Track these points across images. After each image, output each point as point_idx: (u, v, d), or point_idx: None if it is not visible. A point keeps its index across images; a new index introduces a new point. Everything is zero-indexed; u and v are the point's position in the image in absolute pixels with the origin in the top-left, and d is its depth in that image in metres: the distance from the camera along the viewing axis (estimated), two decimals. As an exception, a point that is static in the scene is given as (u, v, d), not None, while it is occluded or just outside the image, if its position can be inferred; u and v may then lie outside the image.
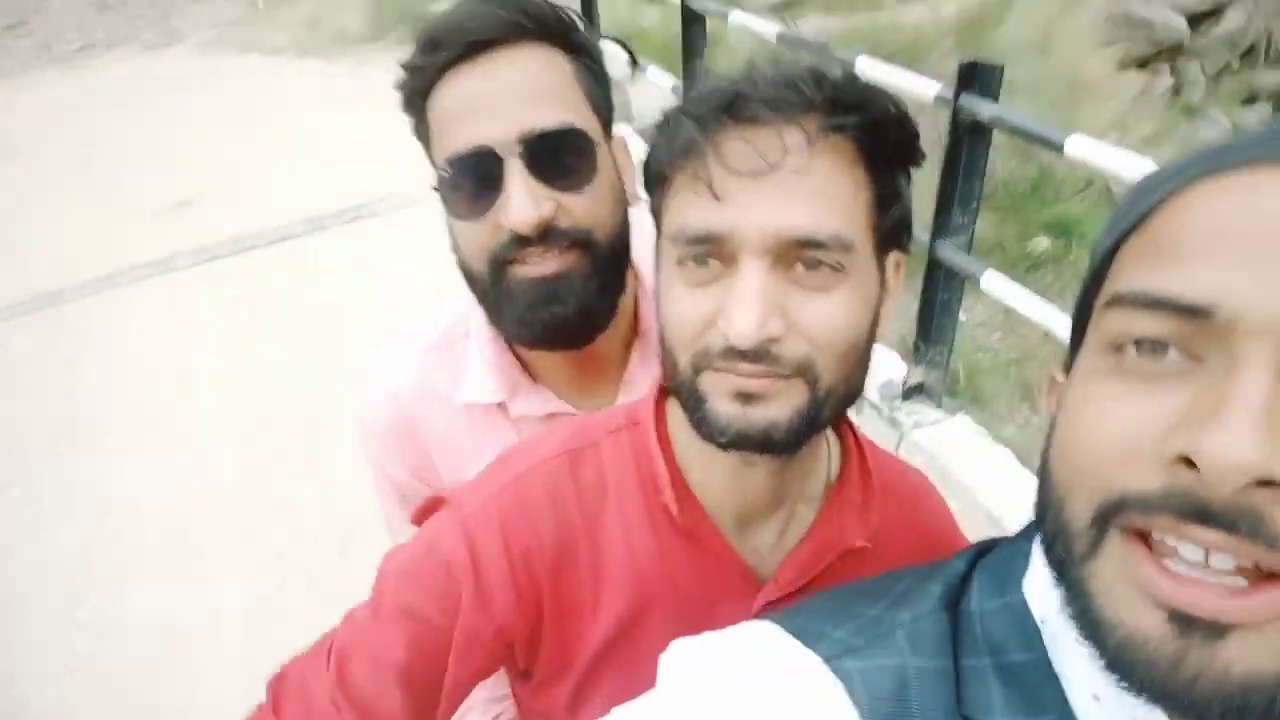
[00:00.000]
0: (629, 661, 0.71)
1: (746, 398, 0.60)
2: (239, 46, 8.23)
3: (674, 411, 0.71)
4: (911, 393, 2.74)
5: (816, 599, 0.55)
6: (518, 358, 0.97)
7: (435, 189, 0.86)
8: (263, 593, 2.57)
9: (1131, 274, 0.42)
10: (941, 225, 2.54)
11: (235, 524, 2.86)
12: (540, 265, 0.83)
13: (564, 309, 0.84)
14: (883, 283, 0.65)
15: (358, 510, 2.12)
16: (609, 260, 0.87)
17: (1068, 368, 0.49)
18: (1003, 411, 4.27)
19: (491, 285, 0.85)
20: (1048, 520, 0.45)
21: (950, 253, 2.52)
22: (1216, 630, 0.38)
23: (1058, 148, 2.09)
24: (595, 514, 0.71)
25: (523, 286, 0.83)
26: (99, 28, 8.71)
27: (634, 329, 0.98)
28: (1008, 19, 7.76)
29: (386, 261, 4.21)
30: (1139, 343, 0.41)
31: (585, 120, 0.84)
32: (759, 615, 0.58)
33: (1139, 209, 0.44)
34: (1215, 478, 0.36)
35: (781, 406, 0.60)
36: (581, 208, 0.83)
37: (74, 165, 5.94)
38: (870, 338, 0.64)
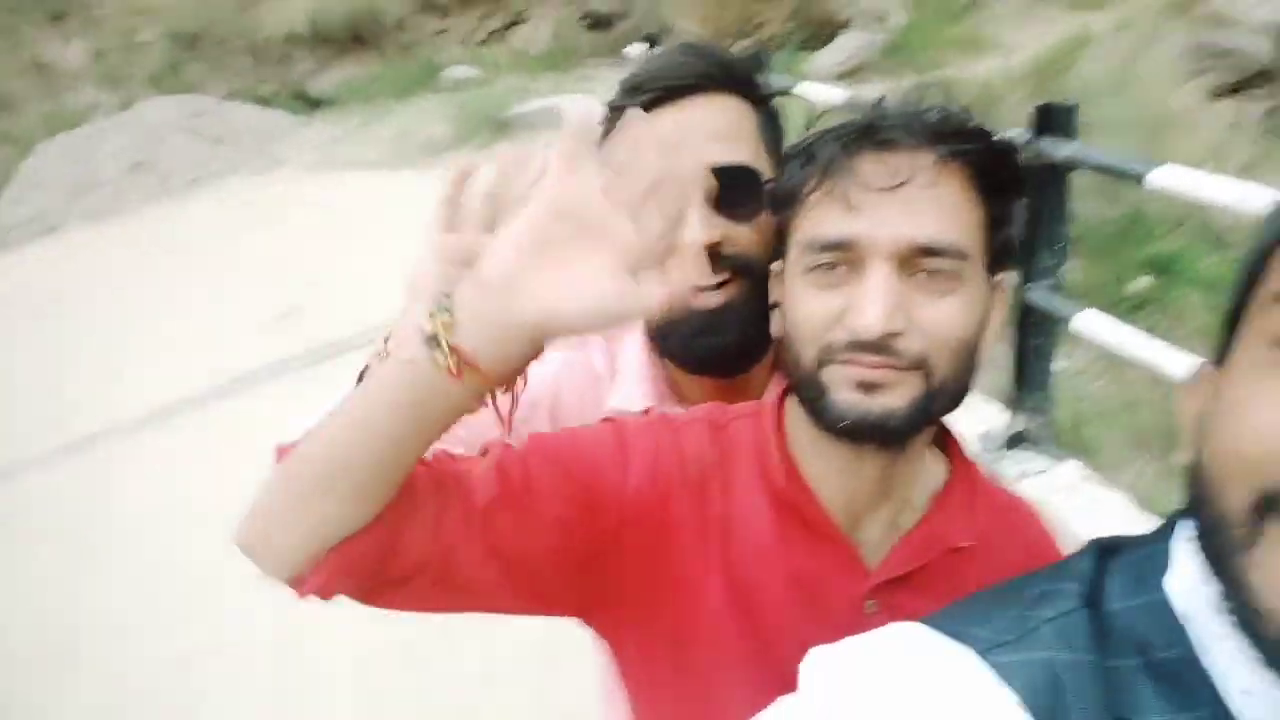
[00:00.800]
0: (749, 630, 0.74)
1: (868, 387, 0.66)
2: (336, 164, 8.81)
3: (792, 410, 0.77)
4: (1014, 442, 2.64)
5: (951, 606, 0.55)
6: (669, 378, 1.02)
7: None
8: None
9: None
10: (1030, 269, 2.48)
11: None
12: (708, 298, 0.90)
13: (726, 339, 0.91)
14: (992, 298, 0.72)
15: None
16: (761, 296, 0.91)
17: (1218, 361, 0.49)
18: (1114, 460, 4.05)
19: (660, 327, 0.95)
20: (1203, 512, 0.45)
21: (1041, 296, 2.46)
22: None
23: (1139, 179, 2.03)
24: (729, 476, 0.77)
25: (690, 316, 0.90)
26: (212, 160, 9.47)
27: (774, 367, 1.01)
28: (1081, 63, 7.65)
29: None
30: None
31: (761, 163, 0.93)
32: (869, 598, 0.70)
33: None
34: None
35: (899, 396, 0.66)
36: (747, 238, 0.91)
37: (184, 289, 6.40)
38: (979, 344, 0.71)
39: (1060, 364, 5.15)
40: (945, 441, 0.81)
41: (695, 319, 0.90)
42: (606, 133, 0.93)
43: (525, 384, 0.65)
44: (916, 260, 0.66)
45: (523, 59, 11.39)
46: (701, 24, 9.34)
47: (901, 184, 0.65)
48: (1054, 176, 2.36)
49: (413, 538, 0.66)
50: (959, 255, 0.67)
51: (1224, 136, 7.09)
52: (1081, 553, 0.55)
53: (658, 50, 0.97)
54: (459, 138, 8.37)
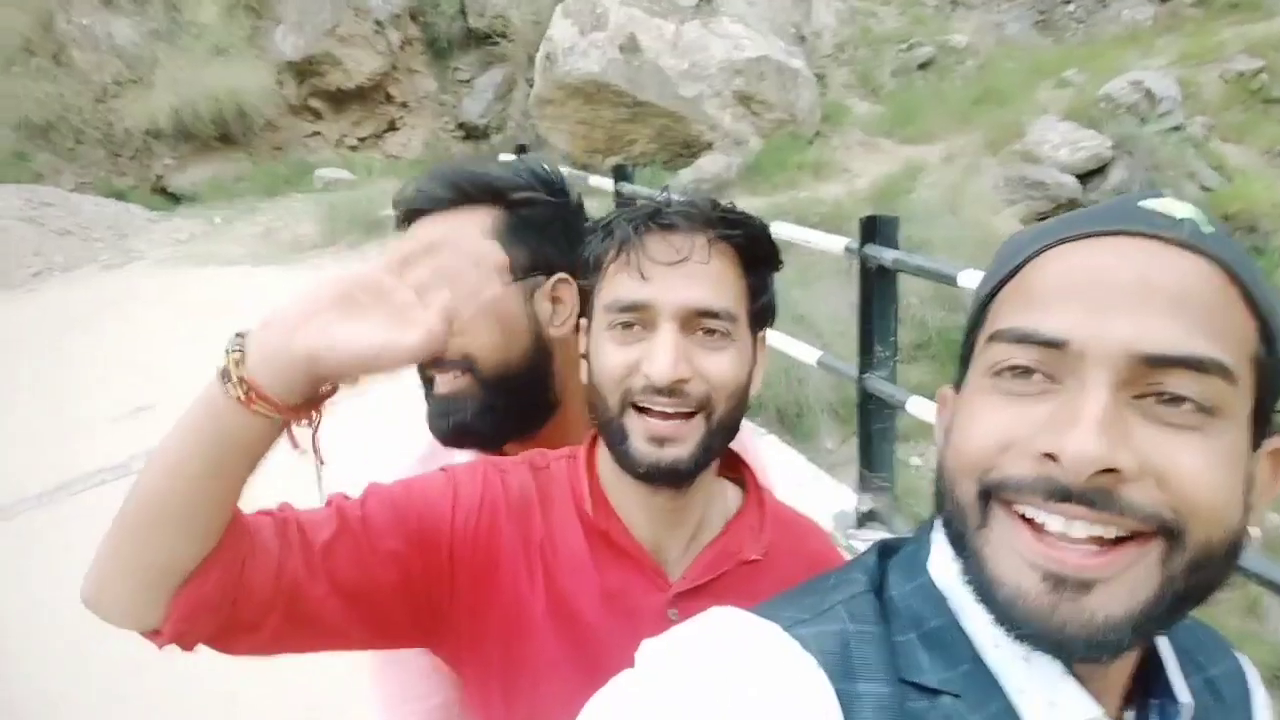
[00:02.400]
0: (571, 640, 0.85)
1: (660, 441, 0.80)
2: (196, 260, 8.55)
3: (602, 452, 0.89)
4: (864, 520, 2.84)
5: (760, 605, 0.64)
6: None
7: None
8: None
9: (1006, 316, 0.55)
10: (866, 361, 2.74)
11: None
12: (440, 385, 1.04)
13: (456, 420, 1.04)
14: (754, 353, 0.87)
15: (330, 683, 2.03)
16: (496, 384, 1.04)
17: (957, 388, 0.62)
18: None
19: (425, 393, 1.07)
20: (945, 503, 0.57)
21: (878, 384, 2.71)
22: (1082, 585, 0.49)
23: (952, 281, 2.33)
24: (549, 509, 0.89)
25: (431, 400, 1.06)
26: (57, 252, 9.01)
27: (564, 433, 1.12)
28: (916, 188, 8.47)
29: (351, 446, 4.27)
30: (1012, 368, 0.53)
31: (484, 267, 1.02)
32: (671, 606, 0.83)
33: (1010, 265, 0.57)
34: (1073, 468, 0.49)
35: (686, 446, 0.81)
36: (461, 340, 1.00)
37: (27, 382, 6.00)
38: (747, 390, 0.86)
39: (916, 460, 5.51)
40: (742, 472, 0.95)
41: (434, 401, 1.06)
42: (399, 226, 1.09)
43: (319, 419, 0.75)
44: (696, 320, 0.80)
45: (395, 164, 11.54)
46: (571, 142, 9.79)
47: (683, 260, 0.80)
48: (882, 278, 2.65)
49: (257, 578, 0.74)
50: (729, 318, 0.81)
51: (1037, 256, 7.93)
52: (868, 552, 0.66)
53: (429, 172, 1.10)
54: (328, 236, 8.34)
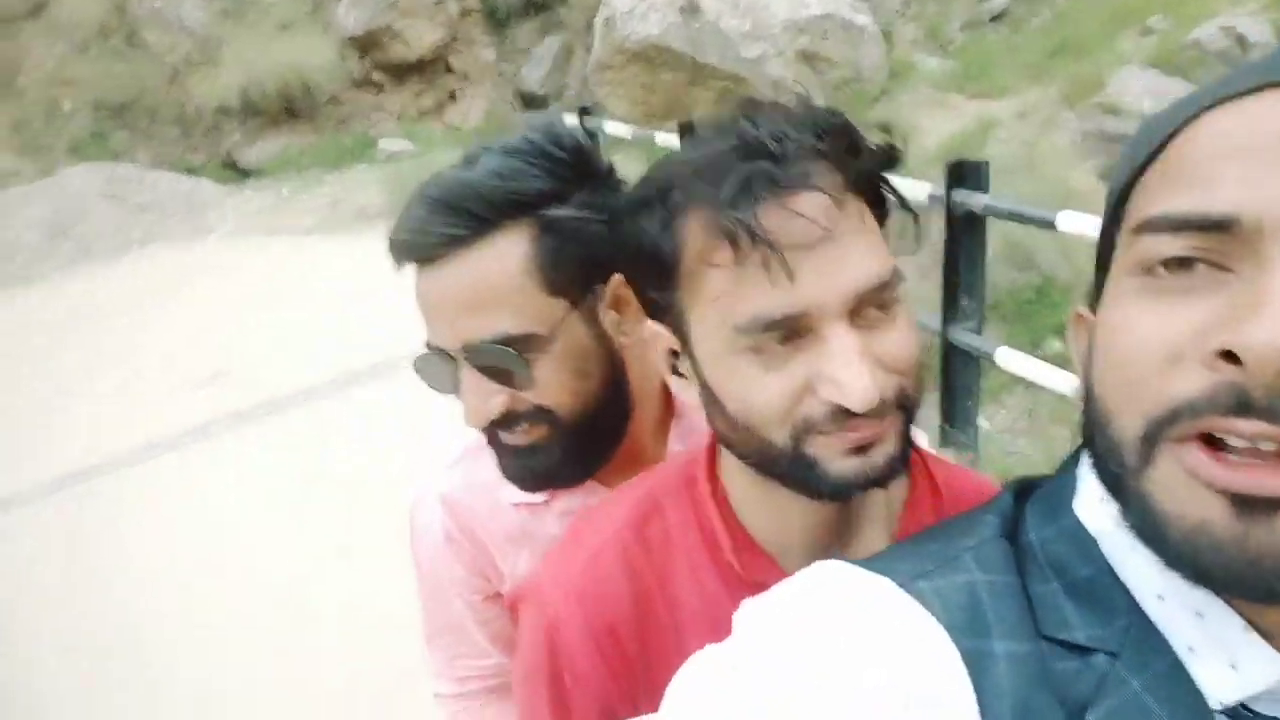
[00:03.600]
0: None
1: (862, 449, 0.62)
2: (266, 231, 8.74)
3: (729, 464, 0.72)
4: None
5: (876, 556, 0.56)
6: None
7: (417, 364, 0.91)
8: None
9: (1154, 201, 0.45)
10: (951, 313, 2.63)
11: (273, 686, 2.82)
12: (514, 438, 0.90)
13: (543, 468, 0.91)
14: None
15: (403, 662, 2.09)
16: (579, 427, 0.89)
17: (1093, 305, 0.51)
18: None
19: (488, 439, 0.93)
20: (1097, 440, 0.47)
21: (964, 336, 2.60)
22: (1276, 506, 0.40)
23: (1050, 225, 2.20)
24: (667, 573, 0.73)
25: (505, 450, 0.91)
26: (136, 228, 9.29)
27: (668, 409, 1.01)
28: (989, 144, 8.18)
29: (419, 410, 4.32)
30: (1167, 262, 0.43)
31: (530, 314, 0.84)
32: None
33: (1152, 143, 0.47)
34: (1258, 365, 0.38)
35: (892, 443, 0.63)
36: (534, 395, 0.86)
37: (112, 350, 6.21)
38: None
39: (984, 424, 5.36)
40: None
41: (509, 453, 0.91)
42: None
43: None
44: (864, 303, 0.60)
45: (457, 134, 11.59)
46: (631, 107, 9.68)
47: (829, 233, 0.58)
48: (970, 226, 2.53)
49: None
50: (898, 277, 0.62)
51: (1119, 213, 7.61)
52: (1000, 493, 0.57)
53: (413, 198, 0.86)
54: (391, 206, 8.42)
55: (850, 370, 0.58)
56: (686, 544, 0.74)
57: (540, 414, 0.87)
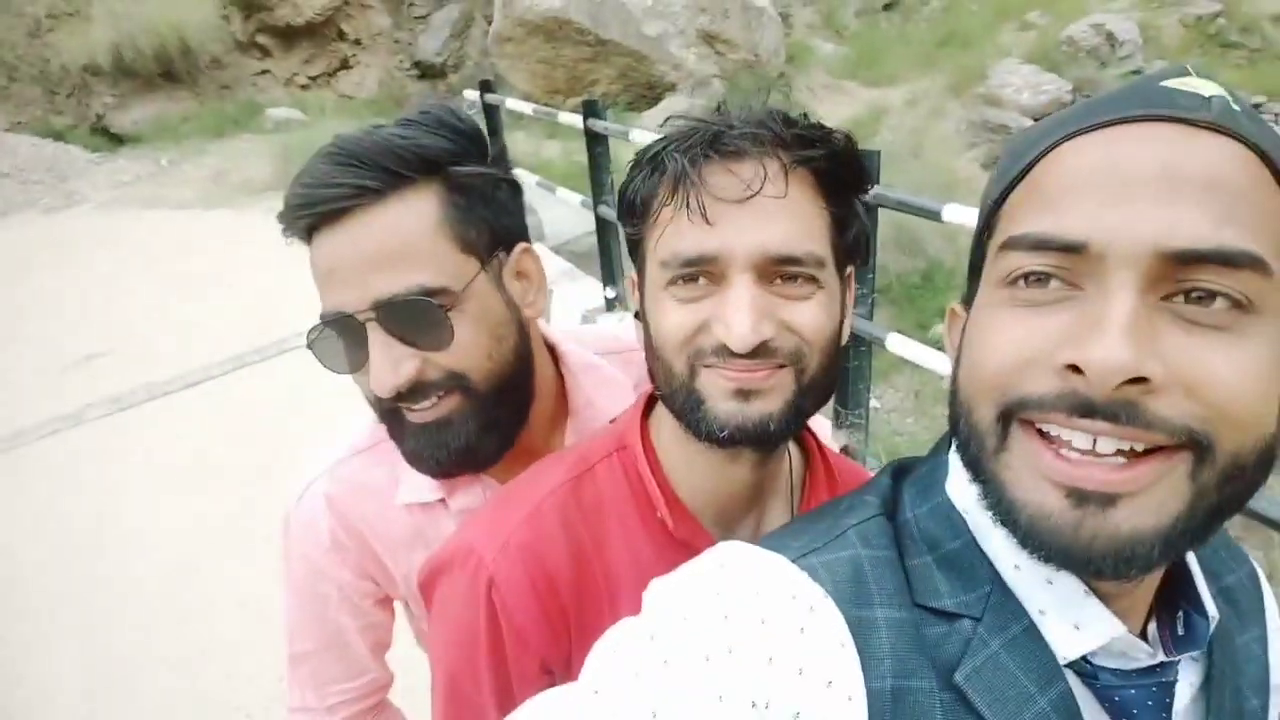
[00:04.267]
0: None
1: (744, 394, 0.68)
2: (142, 203, 8.26)
3: (658, 427, 0.78)
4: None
5: (770, 535, 0.61)
6: None
7: (310, 341, 0.85)
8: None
9: (1018, 220, 0.50)
10: (844, 299, 2.73)
11: (159, 675, 2.72)
12: (423, 414, 0.85)
13: (453, 445, 0.86)
14: (844, 295, 0.74)
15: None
16: (493, 396, 0.87)
17: (967, 303, 0.57)
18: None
19: (388, 425, 0.89)
20: (960, 427, 0.53)
21: (856, 321, 2.70)
22: (1107, 499, 0.46)
23: (937, 216, 2.31)
24: (600, 535, 0.77)
25: (412, 430, 0.86)
26: (-6, 195, 8.64)
27: (562, 408, 1.01)
28: (881, 130, 8.45)
29: (307, 393, 4.19)
30: (1028, 276, 0.49)
31: (447, 269, 0.82)
32: None
33: (1020, 164, 0.52)
34: (1098, 379, 0.44)
35: (775, 399, 0.68)
36: (448, 360, 0.83)
37: (-29, 329, 5.78)
38: (840, 339, 0.73)
39: (874, 403, 5.59)
40: (801, 431, 0.82)
41: (415, 432, 0.86)
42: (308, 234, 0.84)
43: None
44: (775, 269, 0.66)
45: (349, 104, 11.19)
46: (531, 81, 9.55)
47: (754, 195, 0.65)
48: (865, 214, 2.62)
49: None
50: (816, 262, 0.67)
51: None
52: (880, 474, 0.63)
53: (319, 152, 0.83)
54: (280, 179, 8.08)
55: (738, 314, 0.65)
56: (619, 505, 0.77)
57: (453, 380, 0.84)
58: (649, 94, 9.39)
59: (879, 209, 2.51)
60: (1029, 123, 8.62)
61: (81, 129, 10.84)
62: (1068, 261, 0.47)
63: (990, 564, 0.54)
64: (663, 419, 0.77)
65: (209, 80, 11.15)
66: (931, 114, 8.62)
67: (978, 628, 0.52)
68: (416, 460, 0.88)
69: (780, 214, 0.66)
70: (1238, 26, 9.78)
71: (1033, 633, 0.52)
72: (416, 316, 0.81)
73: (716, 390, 0.68)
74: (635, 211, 0.73)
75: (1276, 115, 8.64)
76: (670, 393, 0.71)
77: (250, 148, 9.18)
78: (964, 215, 2.26)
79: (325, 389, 4.23)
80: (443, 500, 0.97)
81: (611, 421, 0.87)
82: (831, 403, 2.94)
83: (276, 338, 4.89)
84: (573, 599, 0.75)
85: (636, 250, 0.75)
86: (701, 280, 0.67)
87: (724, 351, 0.66)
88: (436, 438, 0.85)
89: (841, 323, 0.73)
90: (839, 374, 0.75)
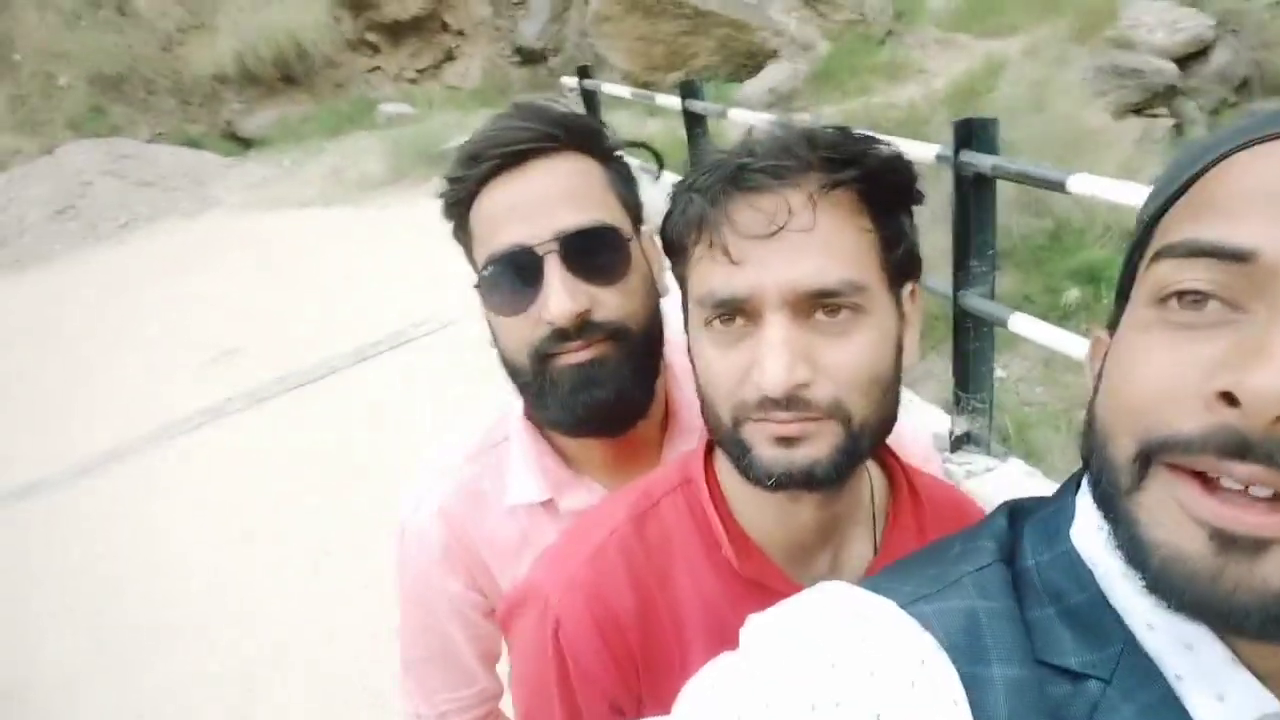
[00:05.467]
0: None
1: (787, 441, 0.65)
2: (269, 204, 8.71)
3: (722, 463, 0.75)
4: (959, 444, 2.74)
5: (876, 578, 0.58)
6: (559, 454, 0.99)
7: (476, 287, 0.91)
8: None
9: (1178, 229, 0.46)
10: (962, 277, 2.59)
11: (297, 657, 2.88)
12: (578, 354, 0.87)
13: (603, 393, 0.87)
14: (901, 314, 0.69)
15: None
16: (643, 350, 0.90)
17: (1112, 327, 0.52)
18: (1056, 459, 4.21)
19: (534, 377, 0.90)
20: (1094, 460, 0.48)
21: (975, 301, 2.57)
22: (1256, 545, 0.41)
23: (1060, 187, 2.16)
24: (666, 572, 0.75)
25: (564, 375, 0.88)
26: (140, 204, 9.27)
27: (666, 414, 1.01)
28: (998, 85, 8.01)
29: (429, 381, 4.34)
30: (1181, 295, 0.44)
31: (617, 219, 0.90)
32: None
33: (1182, 177, 0.48)
34: (1257, 410, 0.39)
35: (820, 446, 0.65)
36: (615, 301, 0.87)
37: (121, 329, 6.25)
38: (896, 367, 0.69)
39: (1000, 373, 5.35)
40: (879, 451, 0.78)
41: (569, 376, 0.88)
42: (448, 207, 0.92)
43: None
44: (810, 304, 0.63)
45: (455, 95, 11.44)
46: (630, 59, 9.51)
47: (779, 229, 0.62)
48: (979, 187, 2.48)
49: None
50: (854, 290, 0.64)
51: (1133, 151, 7.47)
52: (995, 514, 0.58)
53: (496, 115, 0.91)
54: (394, 173, 8.36)
55: (770, 356, 0.63)
56: (684, 542, 0.76)
57: (613, 326, 0.87)
58: (750, 63, 9.20)
59: (996, 182, 2.37)
60: (1166, 64, 7.99)
61: (213, 135, 11.50)
62: (1231, 276, 0.42)
63: (1121, 621, 0.49)
64: (724, 457, 0.75)
65: (324, 80, 11.62)
66: (1055, 63, 8.10)
67: (1107, 690, 0.47)
68: (562, 410, 0.89)
69: (810, 246, 0.63)
70: None
71: (1169, 700, 0.47)
72: (598, 248, 0.87)
73: (760, 438, 0.66)
74: (673, 250, 0.71)
75: None
76: (719, 438, 0.70)
77: (364, 144, 9.53)
78: (1092, 186, 2.10)
79: (445, 378, 4.36)
80: (549, 502, 0.97)
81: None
82: (952, 386, 2.82)
83: (397, 329, 5.08)
84: (639, 638, 0.74)
85: (683, 289, 0.73)
86: (739, 320, 0.65)
87: (766, 404, 0.64)
88: (589, 378, 0.87)
89: (898, 350, 0.69)
90: (893, 407, 0.70)
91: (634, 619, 0.73)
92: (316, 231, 7.48)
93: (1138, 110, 8.16)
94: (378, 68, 11.89)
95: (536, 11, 11.90)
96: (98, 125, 11.09)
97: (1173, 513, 0.43)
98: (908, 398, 3.11)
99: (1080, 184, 2.12)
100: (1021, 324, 2.41)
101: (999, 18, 9.14)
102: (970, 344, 2.65)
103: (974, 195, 2.49)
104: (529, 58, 11.94)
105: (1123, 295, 0.51)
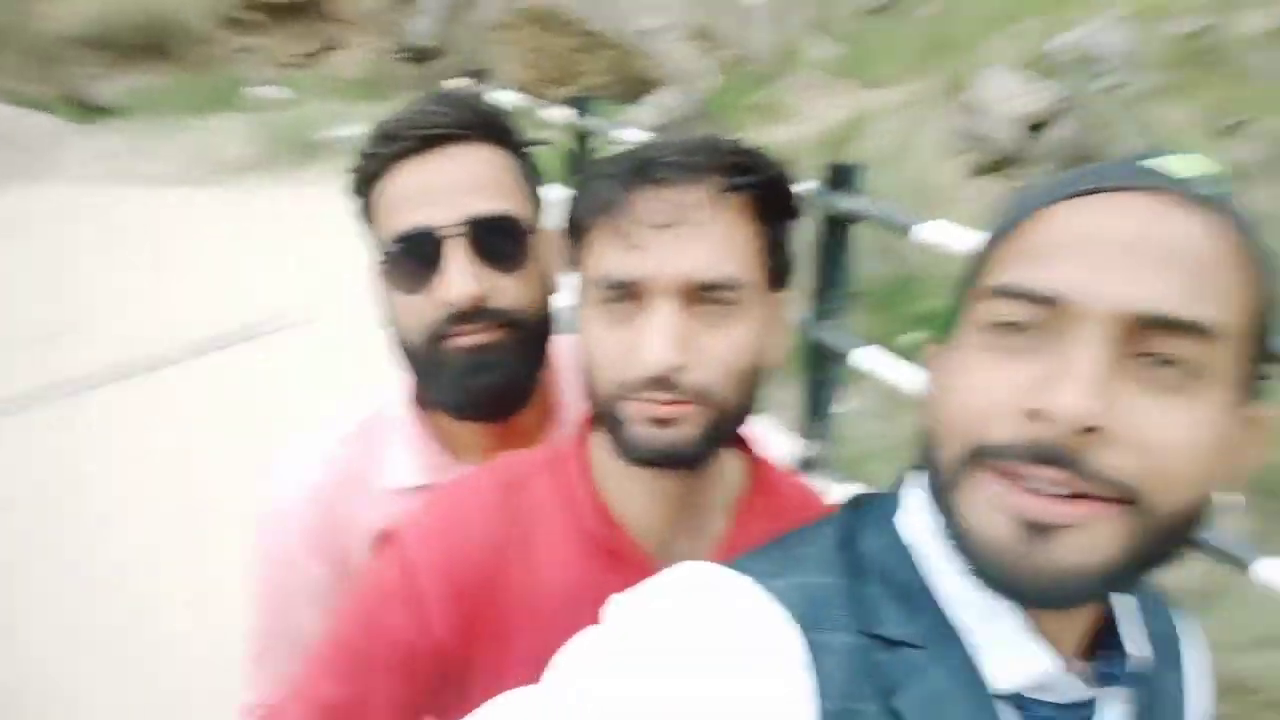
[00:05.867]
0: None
1: (660, 422, 0.71)
2: (119, 178, 8.16)
3: (597, 443, 0.80)
4: (805, 466, 2.87)
5: (731, 560, 0.64)
6: (441, 440, 1.00)
7: (380, 263, 0.93)
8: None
9: (1000, 271, 0.55)
10: (817, 310, 2.73)
11: (118, 667, 2.70)
12: (473, 338, 0.90)
13: (493, 378, 0.91)
14: (773, 316, 0.76)
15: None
16: (535, 340, 0.95)
17: (944, 343, 0.61)
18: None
19: (426, 357, 0.92)
20: (929, 460, 0.57)
21: (827, 333, 2.71)
22: (1053, 531, 0.50)
23: (906, 232, 2.32)
24: (526, 540, 0.79)
25: (457, 357, 0.90)
26: (-31, 163, 8.49)
27: (547, 407, 1.03)
28: (864, 135, 8.46)
29: (276, 381, 4.16)
30: (1003, 324, 0.53)
31: (524, 211, 0.93)
32: None
33: (1010, 221, 0.57)
34: (1059, 424, 0.48)
35: (688, 428, 0.71)
36: (514, 290, 0.91)
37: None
38: (761, 363, 0.75)
39: (845, 406, 5.62)
40: (741, 442, 0.85)
41: (461, 358, 0.90)
42: (356, 183, 0.94)
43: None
44: (696, 294, 0.69)
45: (335, 84, 11.07)
46: (523, 69, 9.50)
47: (678, 221, 0.68)
48: (838, 227, 2.63)
49: None
50: (735, 285, 0.70)
51: (982, 209, 8.04)
52: (838, 507, 0.66)
53: (415, 98, 0.94)
54: (263, 158, 8.01)
55: (652, 336, 0.68)
56: (548, 515, 0.79)
57: (508, 314, 0.91)
58: (640, 89, 9.36)
59: (854, 224, 2.52)
60: (1012, 132, 8.65)
61: (61, 99, 10.67)
62: (1041, 313, 0.51)
63: (933, 596, 0.58)
64: (600, 434, 0.80)
65: (191, 55, 11.00)
66: (917, 120, 8.64)
67: (920, 655, 0.56)
68: (451, 391, 0.92)
69: (704, 240, 0.69)
70: (1223, 43, 9.86)
71: (969, 663, 0.56)
72: (503, 236, 0.91)
73: (636, 416, 0.71)
74: (575, 230, 0.76)
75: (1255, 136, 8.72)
76: (598, 412, 0.76)
77: (232, 125, 9.08)
78: (938, 233, 2.27)
79: (297, 376, 4.18)
80: (428, 487, 0.97)
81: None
82: (799, 413, 2.95)
83: (246, 322, 4.84)
84: (485, 591, 0.77)
85: (582, 268, 0.79)
86: (628, 302, 0.71)
87: (646, 384, 0.70)
88: (481, 362, 0.90)
89: (767, 346, 0.76)
90: (755, 398, 0.77)
91: (486, 570, 0.77)
92: (172, 212, 7.06)
93: (985, 171, 8.78)
94: (251, 48, 11.36)
95: (430, 9, 11.70)
96: (-74, 75, 10.10)
97: (989, 505, 0.52)
98: (764, 421, 3.23)
99: (926, 232, 2.28)
100: (864, 357, 2.56)
101: (875, 70, 9.66)
102: (819, 374, 2.80)
103: (835, 234, 2.64)
104: (418, 55, 11.71)
105: (955, 318, 0.60)
